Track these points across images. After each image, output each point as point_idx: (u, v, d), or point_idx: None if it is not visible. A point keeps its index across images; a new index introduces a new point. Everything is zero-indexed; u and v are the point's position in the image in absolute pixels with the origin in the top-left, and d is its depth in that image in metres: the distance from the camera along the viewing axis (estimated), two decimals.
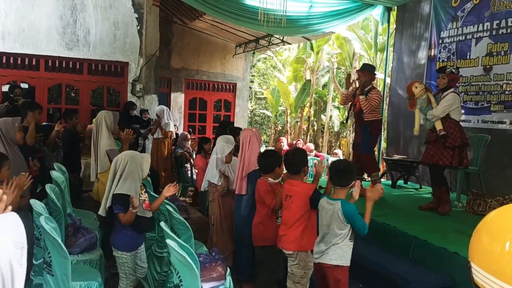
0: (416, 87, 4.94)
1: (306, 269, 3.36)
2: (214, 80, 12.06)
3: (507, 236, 0.90)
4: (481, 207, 5.04)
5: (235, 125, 10.76)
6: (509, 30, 5.89)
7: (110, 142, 5.26)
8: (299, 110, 17.60)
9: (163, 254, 3.84)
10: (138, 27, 8.22)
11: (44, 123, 6.47)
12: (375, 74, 5.95)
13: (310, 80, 16.06)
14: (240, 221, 4.20)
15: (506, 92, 5.90)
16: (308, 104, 16.92)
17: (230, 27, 9.67)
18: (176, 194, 7.61)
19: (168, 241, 2.48)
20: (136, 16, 8.19)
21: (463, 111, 6.48)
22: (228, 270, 3.28)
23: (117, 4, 8.11)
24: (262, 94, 22.15)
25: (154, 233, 4.18)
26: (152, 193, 4.46)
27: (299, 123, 18.76)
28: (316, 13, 7.54)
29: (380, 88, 9.42)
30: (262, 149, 4.48)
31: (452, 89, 4.85)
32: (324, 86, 19.58)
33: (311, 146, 9.28)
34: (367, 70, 5.59)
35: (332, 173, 3.12)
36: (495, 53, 6.08)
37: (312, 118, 19.33)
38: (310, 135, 20.03)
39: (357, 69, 6.08)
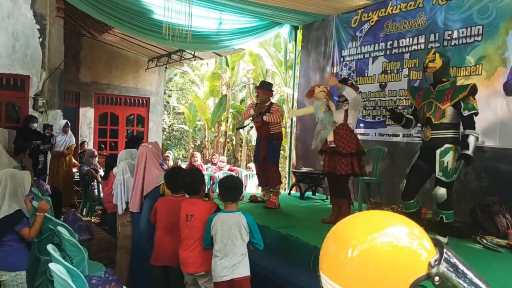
0: (319, 86, 4.99)
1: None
2: (126, 94, 11.74)
3: (350, 242, 0.93)
4: None
5: (149, 140, 10.54)
6: (400, 50, 6.40)
7: (9, 161, 4.89)
8: (216, 125, 17.68)
9: None
10: (41, 39, 7.80)
11: None
12: (273, 91, 6.25)
13: (226, 95, 16.23)
14: (141, 240, 4.09)
15: (399, 107, 6.37)
16: (224, 119, 17.06)
17: (141, 41, 9.52)
18: (80, 214, 7.28)
19: (50, 265, 2.36)
20: (38, 27, 7.77)
21: (362, 125, 6.93)
22: None
23: (16, 14, 7.65)
24: (180, 109, 21.97)
25: (49, 257, 3.96)
26: (49, 216, 4.20)
27: (217, 137, 18.84)
28: (226, 29, 7.68)
29: (289, 104, 9.79)
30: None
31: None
32: (242, 101, 19.88)
33: (224, 159, 9.37)
34: (265, 88, 5.94)
35: (223, 190, 3.21)
36: (389, 71, 6.56)
37: (230, 133, 19.49)
38: (228, 149, 20.16)
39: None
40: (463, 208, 4.98)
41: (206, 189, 3.80)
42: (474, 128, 3.95)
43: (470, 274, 0.99)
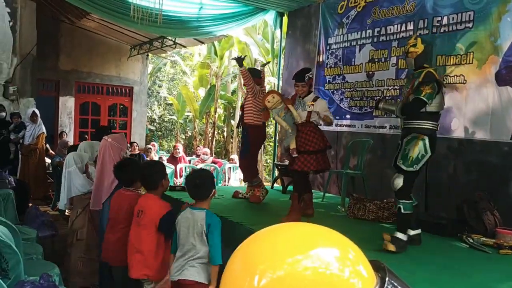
0: (269, 101, 4.68)
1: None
2: (108, 83, 11.37)
3: (259, 266, 0.66)
4: (361, 211, 5.06)
5: (133, 131, 10.22)
6: (388, 38, 6.07)
7: None
8: (205, 116, 17.33)
9: None
10: (11, 23, 7.42)
11: None
12: (261, 78, 5.85)
13: (215, 86, 15.86)
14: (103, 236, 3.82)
15: (386, 98, 6.04)
16: (213, 110, 16.71)
17: (121, 27, 9.13)
18: (53, 207, 6.96)
19: None
20: (8, 10, 7.39)
21: (348, 116, 6.62)
22: None
23: None
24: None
25: None
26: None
27: (206, 129, 18.49)
28: (207, 15, 7.32)
29: None
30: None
31: (315, 95, 4.80)
32: (234, 92, 19.47)
33: (207, 151, 9.05)
34: (252, 75, 5.50)
35: (189, 187, 2.89)
36: (376, 60, 6.23)
37: (222, 124, 19.13)
38: (219, 141, 19.83)
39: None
40: (449, 204, 4.70)
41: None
42: (411, 111, 3.77)
43: None
